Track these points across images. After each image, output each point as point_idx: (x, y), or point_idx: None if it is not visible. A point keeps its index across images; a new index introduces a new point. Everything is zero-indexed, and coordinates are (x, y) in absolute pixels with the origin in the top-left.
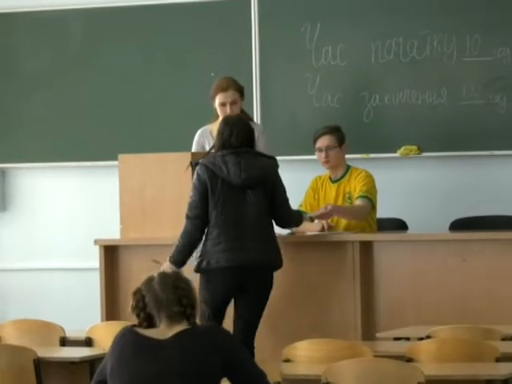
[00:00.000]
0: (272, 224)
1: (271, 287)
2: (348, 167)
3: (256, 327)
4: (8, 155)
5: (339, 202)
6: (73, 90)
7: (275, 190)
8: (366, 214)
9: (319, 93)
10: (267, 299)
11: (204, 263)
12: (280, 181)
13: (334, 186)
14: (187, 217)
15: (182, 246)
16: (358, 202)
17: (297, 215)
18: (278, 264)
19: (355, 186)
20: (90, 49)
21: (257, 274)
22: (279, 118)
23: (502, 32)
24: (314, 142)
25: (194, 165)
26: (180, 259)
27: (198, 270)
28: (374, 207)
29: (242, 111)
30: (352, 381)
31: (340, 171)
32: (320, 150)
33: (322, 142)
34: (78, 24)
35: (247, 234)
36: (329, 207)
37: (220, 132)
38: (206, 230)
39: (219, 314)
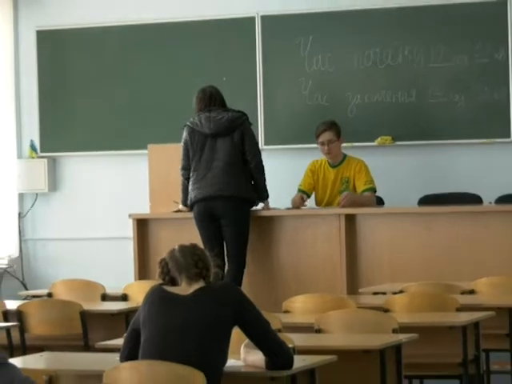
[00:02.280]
0: (241, 166)
1: (244, 216)
2: (344, 155)
3: (242, 255)
4: (58, 146)
5: (337, 184)
6: (110, 93)
7: (244, 139)
8: (373, 203)
9: (311, 93)
10: (245, 228)
11: (189, 200)
12: (248, 131)
13: (333, 171)
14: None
15: (181, 190)
16: (367, 194)
17: (258, 157)
18: (241, 195)
19: (357, 176)
20: (124, 58)
21: (224, 202)
22: (279, 113)
23: (459, 43)
24: (317, 137)
25: (183, 127)
26: (183, 199)
27: (186, 205)
28: (375, 191)
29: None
30: (339, 328)
31: (338, 158)
32: (322, 143)
33: (324, 137)
34: (114, 38)
35: (216, 173)
36: (345, 197)
37: (199, 99)
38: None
39: (215, 242)
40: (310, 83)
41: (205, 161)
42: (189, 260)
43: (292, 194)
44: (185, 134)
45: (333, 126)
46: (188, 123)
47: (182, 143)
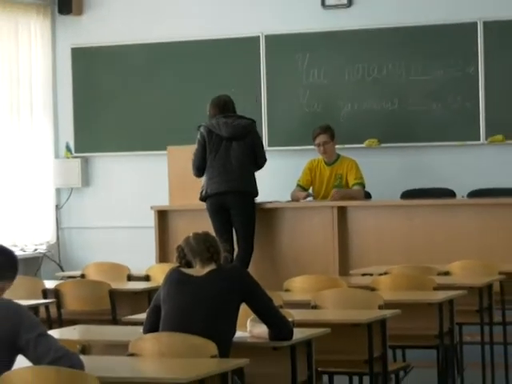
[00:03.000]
0: (249, 165)
1: (251, 208)
2: (338, 155)
3: (250, 241)
4: (89, 148)
5: (332, 180)
6: (135, 102)
7: (254, 145)
8: (362, 196)
9: (308, 102)
10: (251, 218)
11: (203, 193)
12: (257, 137)
13: (328, 168)
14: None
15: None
16: (356, 188)
17: (263, 160)
18: (249, 191)
19: (349, 173)
20: (147, 71)
21: (234, 196)
22: (280, 119)
23: (435, 59)
24: (314, 139)
25: (198, 127)
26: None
27: (201, 198)
28: (364, 186)
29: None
30: (332, 304)
31: (333, 157)
32: (318, 145)
33: (319, 139)
34: (138, 54)
35: (230, 171)
36: (335, 193)
37: (214, 105)
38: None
39: (225, 230)
40: (307, 93)
41: (219, 159)
42: (202, 246)
43: (291, 189)
44: (201, 134)
45: (327, 130)
46: (204, 124)
47: (196, 142)
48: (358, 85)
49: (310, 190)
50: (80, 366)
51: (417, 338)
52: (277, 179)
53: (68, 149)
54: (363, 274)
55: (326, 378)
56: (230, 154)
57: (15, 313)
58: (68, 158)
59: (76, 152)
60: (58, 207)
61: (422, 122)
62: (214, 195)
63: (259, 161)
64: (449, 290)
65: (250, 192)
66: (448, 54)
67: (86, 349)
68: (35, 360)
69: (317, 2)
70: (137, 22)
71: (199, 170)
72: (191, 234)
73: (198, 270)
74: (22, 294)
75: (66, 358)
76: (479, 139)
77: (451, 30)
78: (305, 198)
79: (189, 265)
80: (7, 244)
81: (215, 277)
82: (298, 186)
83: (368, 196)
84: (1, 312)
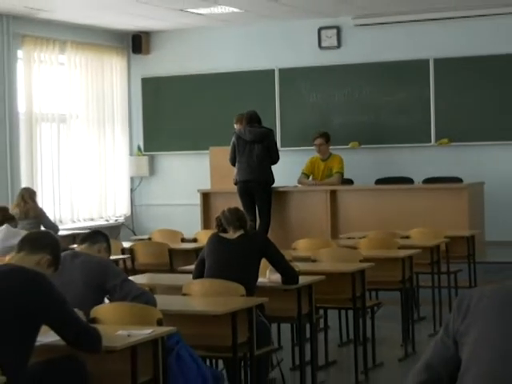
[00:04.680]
0: (267, 162)
1: (269, 192)
2: (330, 153)
3: (268, 214)
4: (155, 148)
5: (325, 172)
6: (186, 116)
7: (269, 147)
8: (339, 183)
9: (310, 115)
10: (269, 199)
11: (235, 179)
12: (273, 142)
13: (322, 163)
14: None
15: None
16: (335, 176)
17: (277, 158)
18: (268, 181)
19: (334, 165)
20: (196, 93)
21: (257, 185)
22: (290, 128)
23: (400, 85)
24: (313, 141)
25: (233, 134)
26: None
27: (234, 183)
28: (343, 175)
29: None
30: (326, 259)
31: (326, 156)
32: (316, 146)
33: (317, 141)
34: (189, 81)
35: (253, 165)
36: (317, 182)
37: (244, 118)
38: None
39: (250, 207)
40: (309, 110)
41: (245, 156)
42: (233, 217)
43: (297, 177)
44: (233, 139)
45: (324, 135)
46: (236, 131)
47: (231, 145)
48: (345, 103)
49: (310, 178)
50: (153, 302)
51: (386, 283)
52: (288, 170)
53: (139, 149)
54: (348, 238)
55: (321, 311)
56: (252, 153)
57: (104, 266)
58: (139, 155)
59: (145, 151)
60: (132, 190)
61: (391, 130)
62: (241, 182)
63: (274, 158)
64: (409, 249)
65: (266, 180)
66: (409, 81)
67: (152, 290)
68: (120, 299)
69: (315, 44)
70: (186, 60)
71: (232, 162)
72: (226, 209)
73: (231, 235)
74: None
75: (143, 296)
76: (431, 142)
77: (411, 65)
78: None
79: (224, 231)
80: (97, 216)
81: (243, 239)
82: (303, 173)
83: (351, 182)
84: (93, 265)
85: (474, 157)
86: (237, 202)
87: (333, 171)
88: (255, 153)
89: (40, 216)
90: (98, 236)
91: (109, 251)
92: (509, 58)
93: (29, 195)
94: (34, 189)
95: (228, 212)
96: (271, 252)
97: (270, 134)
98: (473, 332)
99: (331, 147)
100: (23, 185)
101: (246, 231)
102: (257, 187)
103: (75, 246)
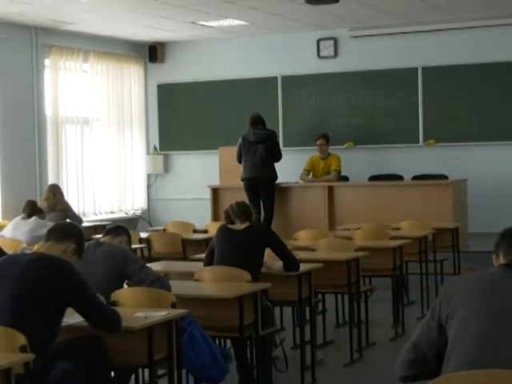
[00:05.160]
0: (270, 160)
1: (272, 188)
2: (329, 153)
3: (271, 208)
4: (169, 148)
5: (325, 169)
6: (198, 118)
7: (272, 147)
8: (336, 180)
9: (309, 118)
10: (273, 194)
11: (241, 176)
12: (275, 142)
13: (322, 162)
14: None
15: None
16: (333, 173)
17: (279, 157)
18: (271, 177)
19: (332, 163)
20: (206, 98)
21: (261, 181)
22: (292, 129)
23: (391, 91)
24: (315, 141)
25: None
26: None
27: (241, 179)
28: (340, 172)
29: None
30: (324, 248)
31: (325, 155)
32: (318, 145)
33: (319, 142)
34: (200, 87)
35: (257, 163)
36: (315, 180)
37: (249, 121)
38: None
39: (255, 201)
40: (308, 113)
41: (250, 155)
42: (240, 210)
43: (298, 174)
44: (239, 140)
45: (324, 136)
46: (242, 134)
47: (237, 145)
48: (341, 107)
49: (310, 175)
50: (168, 286)
51: (379, 270)
52: (290, 168)
53: (155, 149)
54: (344, 229)
55: (320, 295)
56: (256, 153)
57: (123, 253)
58: (155, 154)
59: (160, 151)
60: (148, 186)
61: (383, 131)
62: (247, 179)
63: (276, 157)
64: (399, 240)
65: (270, 177)
66: (399, 88)
67: (166, 276)
68: (138, 283)
69: (314, 54)
70: (198, 67)
71: (239, 161)
72: (234, 202)
73: (238, 226)
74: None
75: (159, 281)
76: (419, 142)
77: (401, 73)
78: (308, 180)
79: (232, 222)
80: (116, 209)
81: (249, 230)
82: (305, 170)
83: (346, 179)
84: (114, 253)
85: (458, 156)
86: (243, 197)
87: (331, 169)
88: (259, 152)
89: (66, 209)
90: (120, 230)
91: (129, 244)
92: (489, 66)
93: (56, 190)
94: (60, 185)
95: (235, 205)
96: (274, 242)
97: (273, 135)
98: (457, 315)
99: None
100: (50, 181)
101: (251, 223)
102: (261, 183)
103: (97, 236)
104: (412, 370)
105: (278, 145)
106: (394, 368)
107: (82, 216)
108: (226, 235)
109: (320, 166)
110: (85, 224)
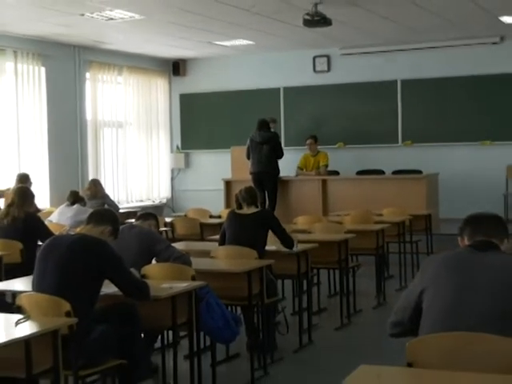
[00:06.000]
0: (273, 158)
1: (275, 181)
2: (318, 151)
3: (274, 197)
4: (190, 147)
5: (314, 165)
6: (215, 122)
7: (274, 147)
8: (325, 173)
9: (307, 123)
10: (275, 186)
11: (249, 171)
12: (277, 143)
13: (312, 159)
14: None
15: None
16: (322, 168)
17: (281, 155)
18: (274, 172)
19: (321, 159)
20: (222, 105)
21: (265, 175)
22: (292, 132)
23: (373, 101)
24: (305, 141)
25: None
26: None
27: (250, 173)
28: (327, 166)
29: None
30: (319, 231)
31: (315, 152)
32: (307, 145)
33: (308, 141)
34: (217, 96)
35: (261, 161)
36: (309, 172)
37: (257, 124)
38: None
39: (260, 192)
40: (306, 118)
41: (256, 154)
42: (247, 195)
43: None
44: (248, 141)
45: (313, 137)
46: (250, 135)
47: (246, 145)
48: (334, 114)
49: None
50: (189, 262)
51: (365, 250)
52: (291, 164)
53: (178, 148)
54: (336, 215)
55: (315, 270)
56: (261, 152)
57: (152, 234)
58: (177, 153)
59: (182, 149)
60: (172, 179)
61: (368, 133)
62: (254, 173)
63: (278, 155)
64: (381, 224)
65: (272, 172)
66: (382, 97)
67: (188, 253)
68: (164, 260)
69: (311, 69)
70: (213, 80)
71: (247, 158)
72: (243, 188)
73: (245, 210)
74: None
75: (182, 257)
76: (398, 143)
77: (384, 84)
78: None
79: (241, 207)
80: (145, 198)
81: (255, 215)
82: (298, 167)
83: (337, 173)
84: (144, 234)
85: (431, 154)
86: None
87: (320, 164)
88: (263, 151)
89: (104, 197)
90: (150, 215)
91: (157, 227)
92: (458, 80)
93: (96, 182)
94: (99, 178)
95: (244, 190)
96: (275, 225)
97: (275, 136)
98: (431, 288)
99: (319, 146)
100: (90, 175)
101: (257, 208)
102: (266, 177)
103: (130, 220)
104: (395, 330)
105: (280, 144)
106: (376, 331)
107: (117, 203)
108: (234, 219)
109: (311, 162)
110: (120, 210)
